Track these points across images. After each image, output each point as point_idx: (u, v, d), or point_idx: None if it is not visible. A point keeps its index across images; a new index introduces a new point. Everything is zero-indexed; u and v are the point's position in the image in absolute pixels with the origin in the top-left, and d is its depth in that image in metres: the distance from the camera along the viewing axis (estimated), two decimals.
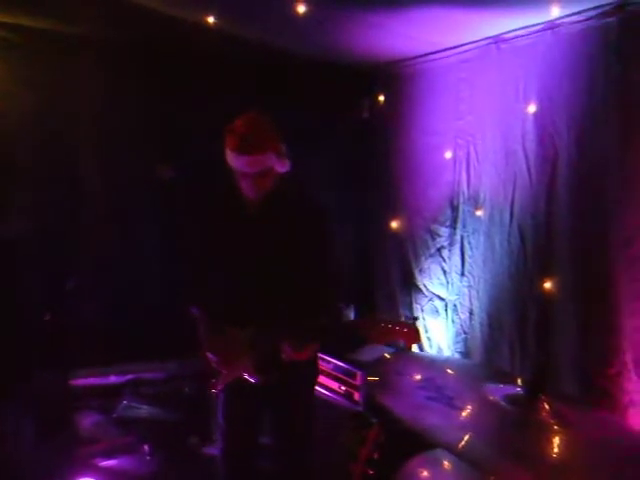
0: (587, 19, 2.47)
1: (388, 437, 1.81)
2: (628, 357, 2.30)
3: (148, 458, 3.09)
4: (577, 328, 2.52)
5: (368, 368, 1.71)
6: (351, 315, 3.40)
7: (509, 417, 1.35)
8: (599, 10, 2.42)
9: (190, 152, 3.41)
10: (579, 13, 2.50)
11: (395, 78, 3.55)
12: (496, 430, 1.33)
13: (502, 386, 1.44)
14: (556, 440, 1.34)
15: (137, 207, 3.56)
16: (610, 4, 2.37)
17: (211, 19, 2.87)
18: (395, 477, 1.87)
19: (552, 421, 1.36)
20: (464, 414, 1.37)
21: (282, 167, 2.04)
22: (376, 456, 1.81)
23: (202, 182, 2.45)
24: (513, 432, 1.34)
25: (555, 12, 2.50)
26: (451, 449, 1.35)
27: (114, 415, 3.32)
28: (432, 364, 2.08)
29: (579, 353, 2.51)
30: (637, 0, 2.29)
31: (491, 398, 1.41)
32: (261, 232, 2.08)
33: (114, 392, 3.39)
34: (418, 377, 1.70)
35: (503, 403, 1.38)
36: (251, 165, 1.97)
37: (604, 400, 2.37)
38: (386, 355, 1.87)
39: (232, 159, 2.00)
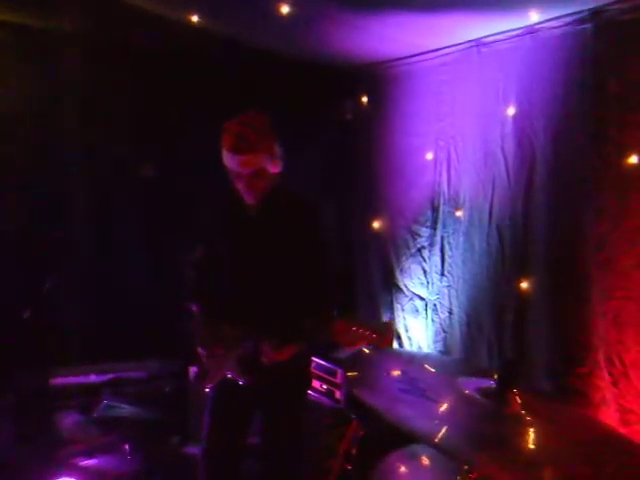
0: (564, 25, 2.53)
1: (367, 432, 1.84)
2: (600, 356, 2.36)
3: (129, 457, 3.07)
4: (551, 328, 2.57)
5: (347, 364, 1.73)
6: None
7: (482, 409, 1.38)
8: (575, 16, 2.47)
9: (178, 152, 3.41)
10: (556, 19, 2.55)
11: (378, 80, 3.59)
12: (470, 422, 1.37)
13: (475, 379, 1.48)
14: (528, 431, 1.38)
15: (120, 206, 3.54)
16: (586, 11, 2.42)
17: (195, 18, 2.88)
18: (373, 472, 1.90)
19: (524, 413, 1.40)
20: (438, 406, 1.40)
21: (274, 168, 2.04)
22: (354, 451, 1.84)
23: (202, 184, 2.45)
24: (487, 424, 1.37)
25: (534, 17, 2.56)
26: (427, 441, 1.38)
27: (95, 415, 3.29)
28: (410, 359, 2.11)
29: (553, 352, 2.56)
30: (612, 7, 2.35)
31: (464, 391, 1.44)
32: (260, 233, 2.10)
33: (95, 391, 3.37)
34: (395, 371, 1.72)
35: (476, 396, 1.42)
36: (244, 165, 1.97)
37: (577, 398, 2.43)
38: (365, 350, 1.89)
39: (227, 159, 2.00)
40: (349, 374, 1.64)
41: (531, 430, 1.37)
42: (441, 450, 1.35)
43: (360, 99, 3.69)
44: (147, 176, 3.51)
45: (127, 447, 3.07)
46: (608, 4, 2.35)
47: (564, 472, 1.32)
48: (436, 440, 1.29)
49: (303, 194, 2.16)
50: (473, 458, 1.30)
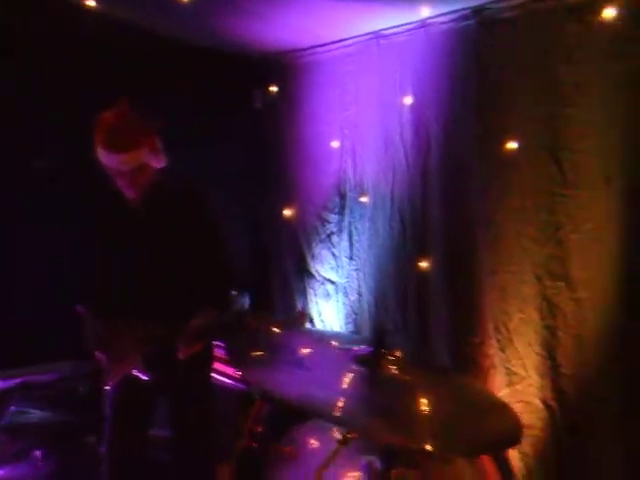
0: (451, 21, 2.70)
1: (272, 410, 1.90)
2: (489, 326, 2.57)
3: (40, 464, 2.95)
4: (449, 304, 2.76)
5: (254, 343, 1.78)
6: (246, 303, 3.46)
7: (362, 376, 1.48)
8: (461, 13, 2.65)
9: (67, 145, 3.27)
10: (445, 15, 2.72)
11: (286, 69, 3.64)
12: (354, 389, 1.46)
13: (352, 348, 1.58)
14: (404, 394, 1.49)
15: (20, 201, 3.35)
16: (469, 8, 2.60)
17: (92, 2, 2.78)
18: (279, 448, 1.97)
19: (399, 377, 1.52)
20: (326, 378, 1.49)
21: (158, 162, 2.00)
22: (260, 429, 1.90)
23: (79, 178, 2.37)
24: (367, 390, 1.47)
25: (425, 12, 2.71)
26: (318, 412, 1.46)
27: (1, 423, 3.13)
28: (318, 338, 2.19)
29: (451, 326, 2.75)
30: (492, 6, 2.54)
31: (342, 359, 1.54)
32: (144, 227, 2.07)
33: (1, 399, 3.20)
34: (299, 349, 1.78)
35: (352, 363, 1.52)
36: (123, 163, 1.90)
37: (471, 365, 2.64)
38: (275, 330, 1.94)
39: (102, 156, 1.92)
40: (254, 354, 1.69)
41: (408, 393, 1.49)
42: (330, 419, 1.44)
43: (269, 88, 3.72)
44: (45, 168, 3.34)
45: (38, 453, 2.95)
46: (489, 2, 2.54)
47: (442, 430, 1.45)
48: (324, 409, 1.37)
49: (189, 183, 2.14)
50: (357, 423, 1.40)
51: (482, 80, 2.55)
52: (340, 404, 1.36)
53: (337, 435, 1.48)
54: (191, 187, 2.16)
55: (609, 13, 2.12)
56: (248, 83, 3.79)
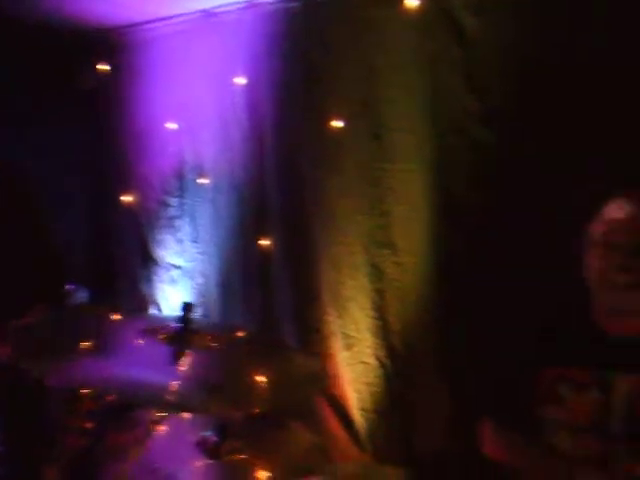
0: (278, 2, 2.74)
1: (100, 403, 1.82)
2: (327, 296, 2.71)
3: None
4: (290, 279, 2.85)
5: (85, 334, 1.68)
6: (84, 297, 3.24)
7: (169, 353, 1.49)
8: None
9: None
10: None
11: (117, 47, 3.42)
12: (183, 370, 1.45)
13: (160, 327, 1.57)
14: (239, 369, 1.53)
15: None
16: None
17: None
18: (111, 441, 1.90)
19: (207, 351, 1.55)
20: (151, 362, 1.46)
21: None
22: (89, 425, 1.81)
23: None
24: (174, 366, 1.47)
25: None
26: (150, 399, 1.43)
27: None
28: (156, 323, 2.12)
29: (293, 300, 2.85)
30: None
31: (150, 340, 1.53)
32: None
33: None
34: (130, 338, 1.72)
35: (161, 342, 1.52)
36: None
37: (315, 336, 2.77)
38: (116, 317, 1.85)
39: None
40: (83, 344, 1.60)
41: (239, 368, 1.52)
42: (160, 403, 1.41)
43: (100, 67, 3.46)
44: None
45: None
46: None
47: (268, 398, 1.50)
48: (153, 394, 1.35)
49: (4, 169, 1.97)
50: (188, 401, 1.40)
51: (307, 62, 2.64)
52: (169, 386, 1.34)
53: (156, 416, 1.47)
54: (6, 173, 1.96)
55: (411, 2, 2.30)
56: (77, 61, 3.49)
